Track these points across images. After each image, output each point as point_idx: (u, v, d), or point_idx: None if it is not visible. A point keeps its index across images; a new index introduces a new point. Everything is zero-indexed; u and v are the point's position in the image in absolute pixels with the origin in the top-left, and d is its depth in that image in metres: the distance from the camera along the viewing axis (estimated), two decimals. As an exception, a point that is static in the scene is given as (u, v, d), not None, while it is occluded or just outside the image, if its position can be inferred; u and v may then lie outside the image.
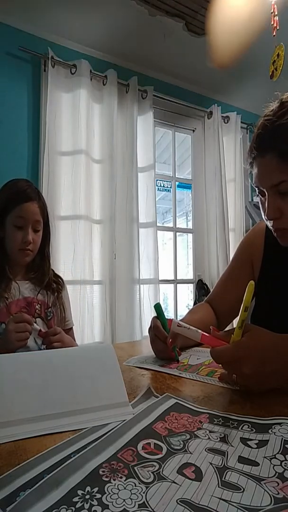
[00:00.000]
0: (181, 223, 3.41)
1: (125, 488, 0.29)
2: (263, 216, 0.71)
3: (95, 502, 0.27)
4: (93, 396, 0.47)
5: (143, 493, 0.28)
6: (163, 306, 0.73)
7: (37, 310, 1.11)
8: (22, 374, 0.49)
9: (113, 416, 0.43)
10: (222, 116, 2.70)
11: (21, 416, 0.42)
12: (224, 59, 1.90)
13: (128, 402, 0.47)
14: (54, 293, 1.13)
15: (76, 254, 1.96)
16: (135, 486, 0.29)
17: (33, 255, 1.09)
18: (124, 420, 0.41)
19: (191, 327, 0.60)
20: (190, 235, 2.79)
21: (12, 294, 1.05)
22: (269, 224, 0.71)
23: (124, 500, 0.27)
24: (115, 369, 0.52)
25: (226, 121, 2.74)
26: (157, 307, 0.73)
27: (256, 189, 0.71)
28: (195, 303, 2.56)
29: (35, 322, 1.01)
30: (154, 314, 0.74)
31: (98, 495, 0.28)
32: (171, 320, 0.62)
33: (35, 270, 1.12)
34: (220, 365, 0.54)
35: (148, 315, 2.17)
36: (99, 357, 0.56)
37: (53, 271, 1.18)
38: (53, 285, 1.13)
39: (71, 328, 1.20)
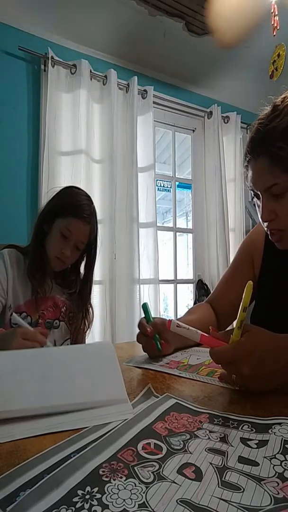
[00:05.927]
0: (181, 223, 3.41)
1: (125, 488, 0.29)
2: (259, 218, 0.73)
3: (95, 502, 0.27)
4: (92, 391, 0.48)
5: (143, 493, 0.28)
6: (163, 306, 0.74)
7: (62, 314, 1.12)
8: (22, 368, 0.50)
9: (113, 414, 0.43)
10: (222, 116, 2.70)
11: (20, 406, 0.43)
12: (227, 38, 1.89)
13: (127, 399, 0.47)
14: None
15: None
16: (135, 486, 0.29)
17: (65, 267, 1.10)
18: (124, 420, 0.41)
19: (190, 327, 0.60)
20: (190, 235, 2.79)
21: (43, 289, 1.07)
22: (265, 226, 0.72)
23: (124, 500, 0.27)
24: (114, 366, 0.52)
25: (226, 121, 2.74)
26: (144, 306, 0.75)
27: (252, 192, 0.72)
28: (195, 303, 2.55)
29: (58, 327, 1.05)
30: (153, 314, 0.74)
31: (98, 495, 0.28)
32: (170, 320, 0.62)
33: (62, 278, 1.14)
34: (220, 365, 0.54)
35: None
36: (98, 353, 0.56)
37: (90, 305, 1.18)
38: (87, 315, 1.15)
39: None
